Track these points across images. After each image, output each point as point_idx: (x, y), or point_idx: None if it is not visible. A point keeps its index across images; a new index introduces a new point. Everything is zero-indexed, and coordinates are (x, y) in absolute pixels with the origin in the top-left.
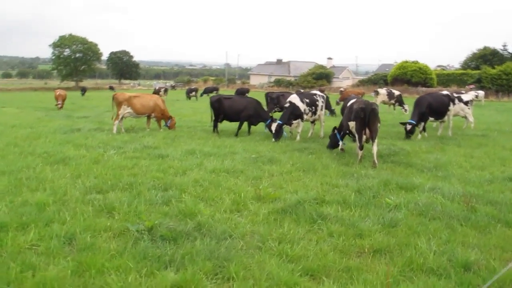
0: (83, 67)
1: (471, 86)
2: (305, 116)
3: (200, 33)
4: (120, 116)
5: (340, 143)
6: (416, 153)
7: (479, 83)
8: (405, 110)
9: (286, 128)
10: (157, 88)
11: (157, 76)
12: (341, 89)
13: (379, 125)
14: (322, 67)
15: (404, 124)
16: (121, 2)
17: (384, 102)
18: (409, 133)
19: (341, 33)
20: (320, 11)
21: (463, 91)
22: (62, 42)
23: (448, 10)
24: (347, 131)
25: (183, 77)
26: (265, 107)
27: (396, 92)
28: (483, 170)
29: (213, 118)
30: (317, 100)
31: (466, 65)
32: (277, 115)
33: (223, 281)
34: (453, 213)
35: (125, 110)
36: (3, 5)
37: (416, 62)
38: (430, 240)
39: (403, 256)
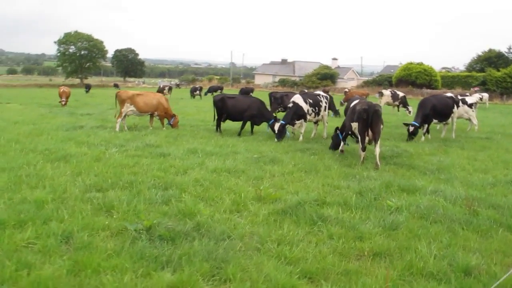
0: (88, 64)
1: (476, 89)
2: (308, 117)
3: (205, 32)
4: (123, 114)
5: (342, 144)
6: (419, 155)
7: (484, 86)
8: (409, 111)
9: (288, 128)
10: (161, 86)
11: (162, 74)
12: (346, 89)
13: (382, 126)
14: (327, 67)
15: (407, 125)
16: (128, 0)
17: (388, 104)
18: (411, 135)
19: (346, 34)
20: (325, 12)
21: (467, 94)
22: (67, 39)
23: (454, 12)
24: (350, 132)
25: (188, 75)
26: (268, 107)
27: (400, 94)
28: (486, 173)
29: (216, 117)
30: (321, 101)
31: (471, 67)
32: (280, 115)
33: (220, 283)
34: (455, 217)
35: (128, 108)
36: (11, 2)
37: (421, 64)
38: (430, 244)
39: (403, 260)
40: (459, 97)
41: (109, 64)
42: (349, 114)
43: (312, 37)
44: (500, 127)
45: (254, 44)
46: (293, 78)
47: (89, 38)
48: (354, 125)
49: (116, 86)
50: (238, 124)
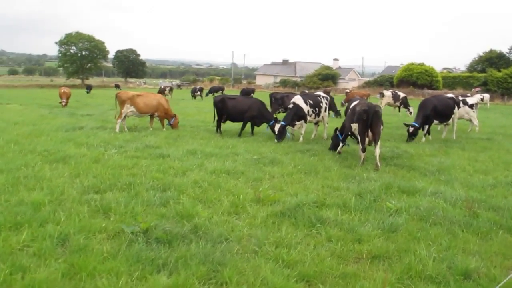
0: (89, 65)
1: (477, 89)
2: (308, 118)
3: (207, 33)
4: (123, 115)
5: (340, 146)
6: (420, 156)
7: (485, 86)
8: (410, 112)
9: (288, 129)
10: (162, 87)
11: (163, 75)
12: (347, 90)
13: (382, 127)
14: (328, 68)
15: (408, 125)
16: (129, 1)
17: (389, 104)
18: (411, 136)
19: (347, 34)
20: (326, 12)
21: (468, 94)
22: (68, 40)
23: (455, 12)
24: (350, 133)
25: (189, 76)
26: (268, 108)
27: (401, 94)
28: (486, 174)
29: (216, 118)
30: (321, 102)
31: (472, 68)
32: (281, 116)
33: (216, 286)
34: (455, 219)
35: (128, 109)
36: (12, 2)
37: (422, 64)
38: (430, 246)
39: (402, 263)
40: (460, 98)
41: (110, 65)
42: (349, 115)
43: (313, 37)
44: (501, 128)
45: (255, 45)
46: (294, 79)
47: (90, 39)
48: (354, 126)
49: (117, 86)
50: (239, 125)
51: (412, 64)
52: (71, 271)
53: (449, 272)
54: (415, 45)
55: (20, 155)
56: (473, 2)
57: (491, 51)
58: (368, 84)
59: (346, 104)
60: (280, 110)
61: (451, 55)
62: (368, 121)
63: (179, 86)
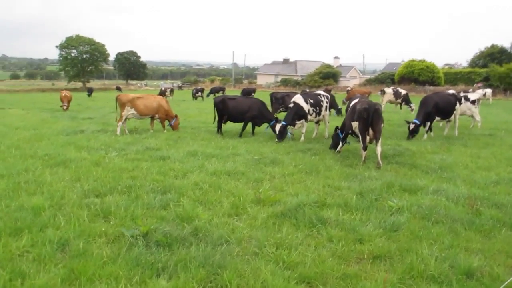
0: (90, 67)
1: (479, 85)
2: (309, 117)
3: (207, 33)
4: (124, 118)
5: (340, 145)
6: (422, 154)
7: (487, 82)
8: (412, 109)
9: (288, 128)
10: (163, 88)
11: (164, 76)
12: (348, 88)
13: (382, 125)
14: (329, 66)
15: (408, 122)
16: (129, 2)
17: (390, 101)
18: (412, 133)
19: (348, 32)
20: (326, 10)
21: (470, 90)
22: (69, 43)
23: (456, 8)
24: (350, 131)
25: (190, 77)
26: (269, 108)
27: (403, 91)
28: (489, 171)
29: (217, 119)
30: (322, 101)
31: (473, 63)
32: (282, 115)
33: None
34: (457, 217)
35: (129, 111)
36: (13, 7)
37: (423, 61)
38: (432, 245)
39: (404, 263)
40: (462, 94)
41: (111, 67)
42: (349, 113)
43: (313, 36)
44: (503, 124)
45: (256, 44)
46: (295, 78)
47: (90, 42)
48: (355, 124)
49: (118, 89)
50: (239, 125)
51: (413, 60)
52: (71, 277)
53: (451, 272)
54: (416, 41)
55: (21, 160)
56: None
57: (492, 46)
58: (369, 82)
59: (347, 102)
60: (281, 109)
61: (453, 50)
62: (369, 119)
63: (180, 87)
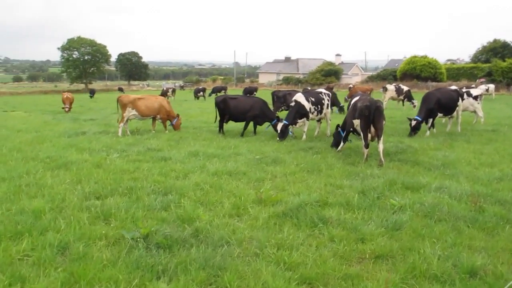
0: (92, 69)
1: (482, 80)
2: (310, 115)
3: (208, 33)
4: (125, 119)
5: (341, 144)
6: (424, 151)
7: (489, 77)
8: (414, 105)
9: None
10: (165, 88)
11: (166, 76)
12: (350, 85)
13: (384, 122)
14: (330, 64)
15: (410, 119)
16: (129, 2)
17: (393, 98)
18: (414, 129)
19: (349, 29)
20: (327, 7)
21: (473, 85)
22: (70, 45)
23: (458, 4)
24: (352, 129)
25: (192, 76)
26: (271, 106)
27: (405, 88)
28: (492, 167)
29: (219, 118)
30: (323, 99)
31: (476, 58)
32: (283, 114)
33: None
34: (460, 214)
35: (130, 112)
36: (15, 10)
37: (425, 57)
38: (435, 244)
39: (406, 262)
40: (464, 90)
41: (113, 68)
42: (350, 111)
43: (315, 33)
44: (506, 119)
45: (257, 43)
46: (297, 76)
47: (92, 43)
48: (356, 122)
49: (120, 90)
50: (241, 124)
51: (415, 56)
52: (71, 280)
53: (454, 271)
54: (418, 37)
55: (22, 163)
56: None
57: (495, 40)
58: (371, 79)
59: (349, 99)
60: (282, 108)
61: (455, 46)
62: (370, 116)
63: (182, 87)
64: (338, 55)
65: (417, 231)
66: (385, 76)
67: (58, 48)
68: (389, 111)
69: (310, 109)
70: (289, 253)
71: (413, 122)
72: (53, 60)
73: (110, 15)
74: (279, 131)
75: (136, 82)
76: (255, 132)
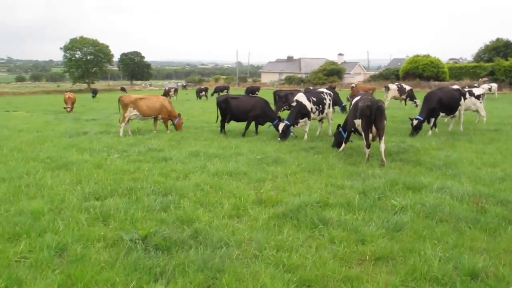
0: (94, 69)
1: (484, 79)
2: (312, 115)
3: (211, 33)
4: (127, 119)
5: (343, 146)
6: (426, 150)
7: (492, 76)
8: (416, 105)
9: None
10: (167, 88)
11: (169, 76)
12: (353, 85)
13: (385, 122)
14: (333, 63)
15: (412, 119)
16: (132, 2)
17: (395, 98)
18: (415, 129)
19: (352, 29)
20: (330, 7)
21: (475, 84)
22: (73, 45)
23: (460, 3)
24: (353, 129)
25: (194, 76)
26: (272, 106)
27: (407, 87)
28: (494, 167)
29: (220, 118)
30: (324, 99)
31: (478, 57)
32: (285, 114)
33: None
34: (462, 215)
35: (131, 112)
36: (18, 10)
37: (427, 56)
38: (436, 246)
39: (406, 264)
40: (466, 89)
41: (115, 68)
42: (352, 111)
43: (317, 33)
44: (509, 118)
45: (259, 43)
46: (299, 75)
47: (94, 43)
48: (357, 122)
49: (123, 89)
50: (243, 124)
51: (418, 56)
52: (68, 283)
53: (455, 273)
54: (421, 36)
55: (22, 163)
56: None
57: (497, 39)
58: (373, 78)
59: (351, 99)
60: (284, 107)
61: (458, 45)
62: (372, 116)
63: (184, 87)
64: (340, 54)
65: (418, 232)
66: (388, 75)
67: (61, 48)
68: (391, 110)
69: (311, 109)
70: (289, 255)
71: (415, 122)
72: (55, 60)
73: (113, 15)
74: (280, 131)
75: (138, 82)
76: (256, 132)
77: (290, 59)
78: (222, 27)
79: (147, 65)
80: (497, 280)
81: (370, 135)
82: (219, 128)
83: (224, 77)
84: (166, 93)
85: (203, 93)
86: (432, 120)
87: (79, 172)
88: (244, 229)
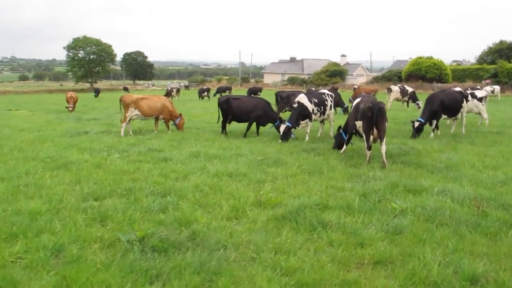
0: (97, 68)
1: (487, 81)
2: (313, 116)
3: (214, 33)
4: (128, 119)
5: (344, 147)
6: (428, 153)
7: (495, 78)
8: (419, 106)
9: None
10: (169, 88)
11: (172, 76)
12: (355, 86)
13: (386, 123)
14: (335, 64)
15: (413, 121)
16: (135, 2)
17: (397, 99)
18: (417, 131)
19: (355, 30)
20: (333, 8)
21: (478, 87)
22: (76, 44)
23: (464, 4)
24: (354, 131)
25: (197, 76)
26: (274, 107)
27: (410, 89)
28: (496, 170)
29: (221, 119)
30: (326, 100)
31: (482, 59)
32: (287, 115)
33: None
34: (462, 219)
35: (133, 112)
36: (22, 10)
37: (430, 58)
38: (435, 250)
39: (405, 268)
40: (469, 91)
41: (118, 68)
42: (353, 113)
43: (320, 34)
44: (511, 121)
45: (262, 43)
46: (302, 76)
47: (97, 43)
48: (358, 124)
49: (125, 89)
50: (244, 125)
51: (421, 57)
52: (63, 284)
53: (455, 278)
54: (424, 38)
55: (22, 163)
56: None
57: (501, 42)
58: (376, 80)
59: (353, 100)
60: (286, 108)
61: (461, 47)
62: (373, 118)
63: (187, 87)
64: (343, 55)
65: (418, 236)
66: (390, 77)
67: (64, 47)
68: (393, 112)
69: (313, 110)
70: (286, 258)
71: (416, 124)
72: (59, 59)
73: (116, 15)
74: (281, 133)
75: (141, 82)
76: (257, 133)
77: (293, 60)
78: (225, 28)
79: (150, 65)
80: (497, 285)
81: (371, 137)
82: (220, 129)
83: (227, 77)
84: (169, 93)
85: (206, 93)
86: (434, 122)
87: (78, 172)
88: (242, 231)
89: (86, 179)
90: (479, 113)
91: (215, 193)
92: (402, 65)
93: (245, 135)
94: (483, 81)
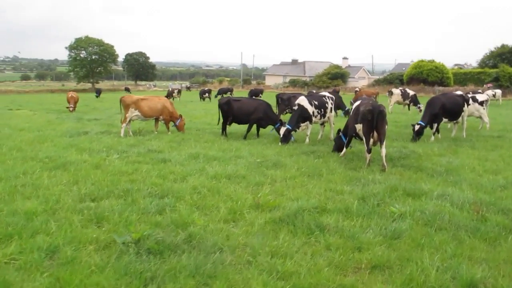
0: (99, 68)
1: (489, 85)
2: (314, 119)
3: (216, 34)
4: (128, 119)
5: (344, 150)
6: (428, 156)
7: (497, 82)
8: (420, 110)
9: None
10: (171, 89)
11: (173, 77)
12: (356, 89)
13: (386, 126)
14: (337, 67)
15: (414, 125)
16: (138, 3)
17: (398, 102)
18: (417, 134)
19: (357, 33)
20: (335, 11)
21: (479, 90)
22: (78, 44)
23: (466, 8)
24: (354, 134)
25: (199, 78)
26: (275, 109)
27: (411, 92)
28: (496, 174)
29: (222, 120)
30: (326, 102)
31: (483, 63)
32: (287, 117)
33: None
34: (461, 223)
35: (133, 113)
36: (24, 10)
37: (432, 61)
38: (434, 255)
39: (403, 273)
40: (470, 95)
41: (120, 68)
42: (353, 116)
43: (322, 36)
44: None
45: (264, 45)
46: (303, 78)
47: (99, 43)
48: (358, 127)
49: (127, 90)
50: (245, 127)
51: (422, 61)
52: (56, 286)
53: (453, 283)
54: (426, 41)
55: (20, 163)
56: None
57: (503, 46)
58: (378, 82)
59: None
60: (287, 110)
61: (463, 51)
62: (373, 121)
63: (188, 88)
64: (345, 58)
65: (416, 240)
66: (392, 80)
67: (66, 47)
68: (394, 115)
69: (313, 112)
70: (283, 262)
71: (416, 127)
72: (61, 59)
73: (118, 15)
74: (281, 135)
75: (143, 83)
76: (258, 135)
77: (294, 62)
78: (227, 30)
79: (152, 66)
80: None
81: (371, 140)
82: (221, 130)
83: (228, 79)
84: (170, 94)
85: (207, 94)
86: (435, 125)
87: (76, 172)
88: (239, 234)
89: (84, 180)
90: (480, 117)
91: (213, 195)
92: (403, 68)
93: (245, 137)
94: (484, 85)
